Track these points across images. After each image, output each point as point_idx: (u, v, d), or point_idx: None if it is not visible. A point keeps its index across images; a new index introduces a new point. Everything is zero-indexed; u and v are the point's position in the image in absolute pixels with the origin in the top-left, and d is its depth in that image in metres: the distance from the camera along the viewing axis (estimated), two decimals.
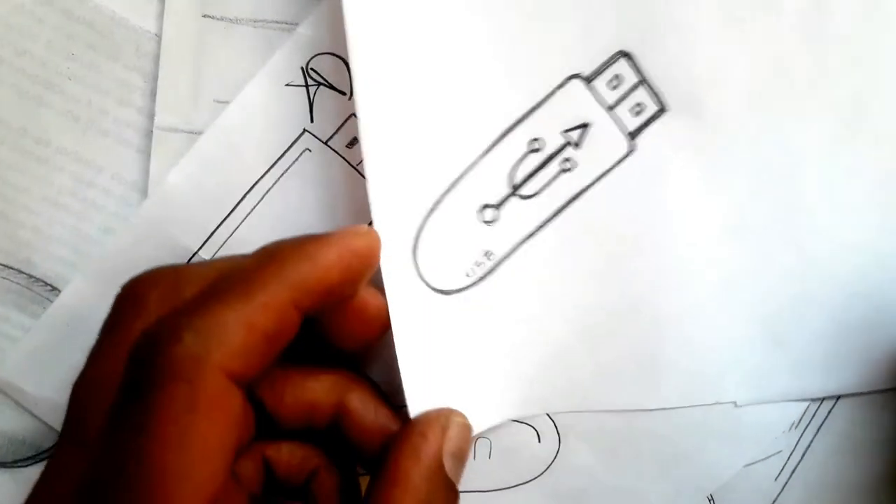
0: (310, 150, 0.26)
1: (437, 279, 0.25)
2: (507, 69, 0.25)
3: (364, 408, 0.22)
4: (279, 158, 0.26)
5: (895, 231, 0.27)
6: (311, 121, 0.26)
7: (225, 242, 0.26)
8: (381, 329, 0.23)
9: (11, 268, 0.27)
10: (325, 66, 0.25)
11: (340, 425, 0.22)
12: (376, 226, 0.24)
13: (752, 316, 0.27)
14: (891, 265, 0.27)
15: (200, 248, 0.26)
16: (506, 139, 0.25)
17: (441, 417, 0.23)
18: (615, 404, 0.27)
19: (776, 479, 0.29)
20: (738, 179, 0.26)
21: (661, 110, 0.25)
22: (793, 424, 0.29)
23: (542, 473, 0.28)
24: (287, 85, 0.26)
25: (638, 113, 0.25)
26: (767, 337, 0.27)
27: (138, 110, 0.26)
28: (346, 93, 0.26)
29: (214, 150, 0.26)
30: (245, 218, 0.26)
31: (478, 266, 0.25)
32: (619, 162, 0.25)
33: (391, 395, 0.24)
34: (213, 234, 0.26)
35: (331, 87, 0.25)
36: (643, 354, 0.27)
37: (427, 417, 0.23)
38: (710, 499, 0.29)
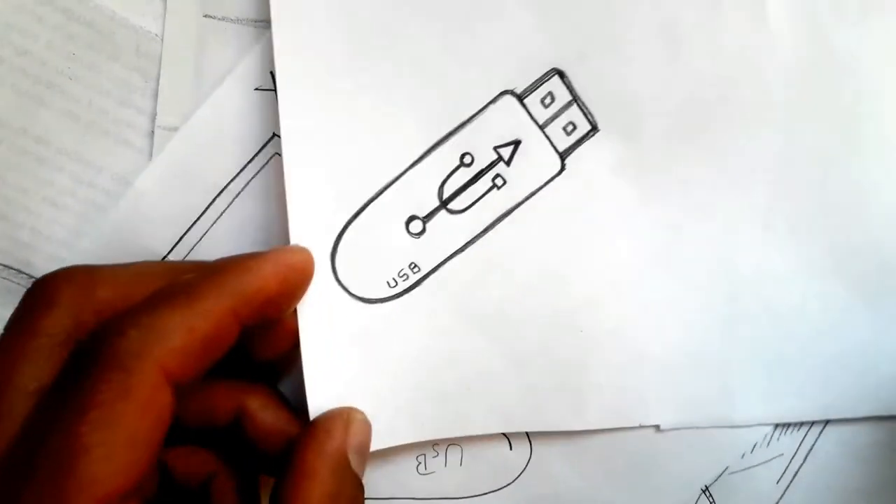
0: (279, 155, 0.26)
1: (357, 286, 0.25)
2: (439, 80, 0.24)
3: (264, 409, 0.23)
4: (249, 162, 0.26)
5: (827, 258, 0.26)
6: None
7: (195, 246, 0.26)
8: (295, 339, 0.24)
9: (11, 268, 0.27)
10: None
11: (240, 426, 0.23)
12: (292, 223, 0.24)
13: (678, 340, 0.27)
14: (820, 290, 0.27)
15: (170, 251, 0.26)
16: (436, 151, 0.25)
17: (343, 414, 0.23)
18: (538, 426, 0.27)
19: (778, 483, 0.29)
20: (670, 202, 0.26)
21: (593, 130, 0.25)
22: (766, 437, 0.28)
23: (513, 481, 0.28)
24: (256, 89, 0.26)
25: (570, 132, 0.25)
26: (693, 361, 0.27)
27: (139, 110, 0.26)
28: None
29: (183, 153, 0.26)
30: (215, 221, 0.26)
31: (402, 277, 0.25)
32: (550, 180, 0.25)
33: (303, 413, 0.24)
34: (182, 237, 0.26)
35: None
36: (568, 375, 0.26)
37: (330, 414, 0.23)
38: (711, 501, 0.29)
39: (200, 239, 0.26)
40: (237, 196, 0.26)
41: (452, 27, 0.24)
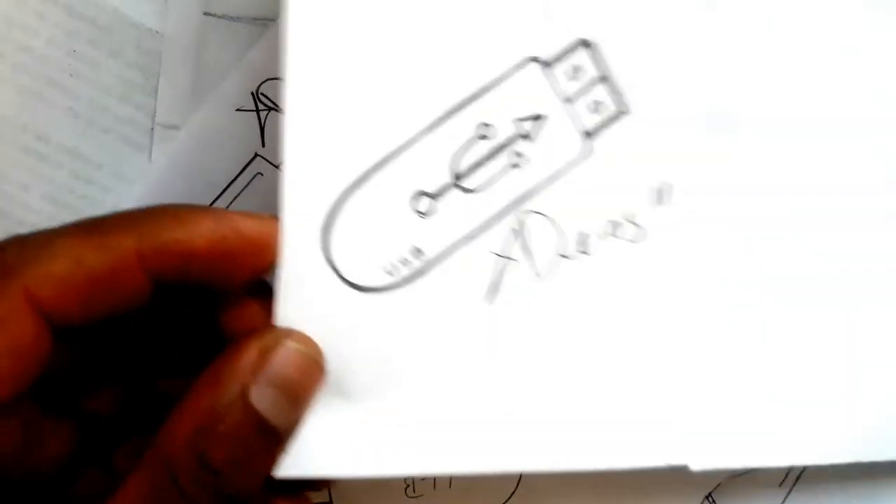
0: (262, 174, 0.26)
1: (349, 269, 0.21)
2: (460, 39, 0.21)
3: None
4: (232, 182, 0.26)
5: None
6: (263, 145, 0.26)
7: None
8: (260, 262, 0.20)
9: None
10: (276, 91, 0.25)
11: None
12: (286, 187, 0.20)
13: (713, 376, 0.23)
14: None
15: None
16: (452, 118, 0.21)
17: (266, 338, 0.19)
18: (560, 466, 0.22)
19: (780, 485, 0.29)
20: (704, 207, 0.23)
21: (622, 112, 0.22)
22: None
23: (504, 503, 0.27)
24: (238, 110, 0.25)
25: (595, 111, 0.22)
26: (730, 398, 0.23)
27: (139, 107, 0.26)
28: None
29: (167, 175, 0.26)
30: None
31: (403, 264, 0.21)
32: (574, 164, 0.22)
33: None
34: None
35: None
36: (594, 409, 0.22)
37: (247, 337, 0.19)
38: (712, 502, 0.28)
39: None
40: None
41: None
